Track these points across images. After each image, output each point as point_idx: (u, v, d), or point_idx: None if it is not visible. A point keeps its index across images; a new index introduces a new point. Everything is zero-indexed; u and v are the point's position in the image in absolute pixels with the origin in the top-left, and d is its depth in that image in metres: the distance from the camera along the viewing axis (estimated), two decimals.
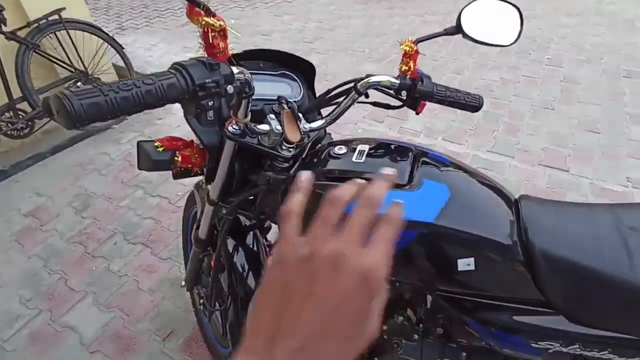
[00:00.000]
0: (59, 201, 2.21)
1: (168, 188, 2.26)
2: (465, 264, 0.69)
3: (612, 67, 3.39)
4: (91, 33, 2.70)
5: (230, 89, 0.56)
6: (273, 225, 1.14)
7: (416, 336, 0.91)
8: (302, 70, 0.89)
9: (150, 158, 0.83)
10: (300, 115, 0.78)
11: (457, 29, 0.81)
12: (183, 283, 1.30)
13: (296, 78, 0.88)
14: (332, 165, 0.77)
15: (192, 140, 0.89)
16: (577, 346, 0.71)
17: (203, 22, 0.60)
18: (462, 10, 0.81)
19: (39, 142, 2.71)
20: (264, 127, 0.74)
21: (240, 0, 5.79)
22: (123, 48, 2.88)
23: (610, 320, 0.69)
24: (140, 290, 1.69)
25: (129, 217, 2.08)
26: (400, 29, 4.42)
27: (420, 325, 0.90)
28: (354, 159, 0.75)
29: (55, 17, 2.48)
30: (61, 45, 2.58)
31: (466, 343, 0.87)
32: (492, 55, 3.60)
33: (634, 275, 0.64)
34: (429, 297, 0.87)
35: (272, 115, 0.76)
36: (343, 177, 0.74)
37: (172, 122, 2.94)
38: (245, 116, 0.70)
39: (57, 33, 2.54)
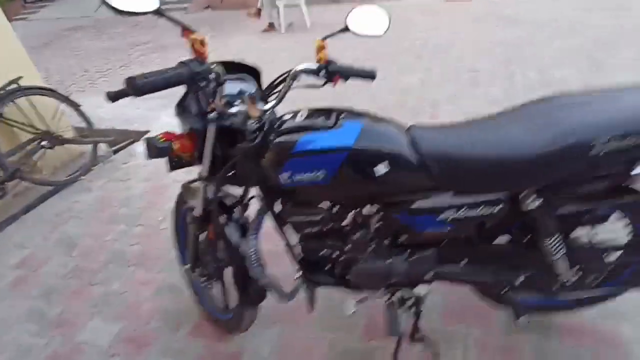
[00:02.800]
0: (44, 248, 2.36)
1: (147, 216, 2.48)
2: (382, 167, 1.04)
3: (504, 57, 4.09)
4: (48, 96, 2.92)
5: (211, 76, 0.92)
6: (251, 202, 1.43)
7: (371, 247, 1.24)
8: (252, 72, 1.25)
9: (156, 147, 1.13)
10: (256, 100, 1.14)
11: (346, 28, 1.21)
12: (187, 266, 1.54)
13: (248, 78, 1.23)
14: (284, 125, 1.12)
15: (182, 134, 1.19)
16: (464, 209, 1.08)
17: (192, 37, 0.95)
18: (347, 15, 1.21)
19: (10, 205, 2.82)
20: (233, 109, 1.08)
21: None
22: (79, 106, 3.11)
23: (480, 184, 1.07)
24: (142, 300, 1.89)
25: (117, 248, 2.27)
26: None
27: (369, 239, 1.23)
28: (296, 120, 1.11)
29: (14, 85, 2.69)
30: (21, 110, 2.78)
31: (404, 240, 1.22)
32: (406, 60, 4.20)
33: (491, 152, 1.03)
34: (369, 214, 1.21)
35: (237, 102, 1.10)
36: (291, 131, 1.09)
37: (135, 164, 3.17)
38: (220, 100, 1.04)
39: (16, 100, 2.74)
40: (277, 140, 1.09)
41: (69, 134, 3.15)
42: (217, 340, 1.65)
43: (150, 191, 2.76)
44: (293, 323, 1.66)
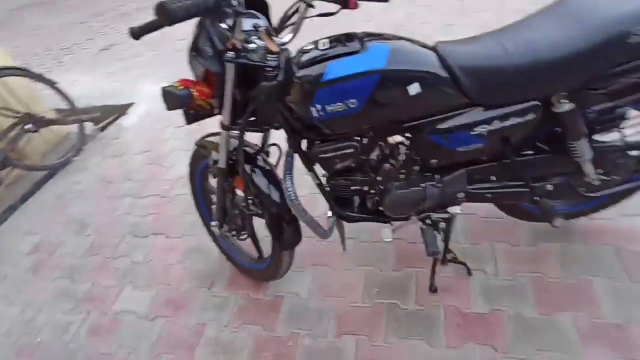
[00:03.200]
0: (55, 232, 2.32)
1: (154, 187, 2.44)
2: (414, 89, 1.02)
3: None
4: (22, 76, 2.74)
5: (234, 2, 0.87)
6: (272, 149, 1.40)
7: (405, 173, 1.25)
8: (261, 8, 1.17)
9: (175, 94, 1.07)
10: (273, 33, 1.08)
11: None
12: (214, 223, 1.53)
13: (259, 14, 1.16)
14: (306, 57, 1.07)
15: (199, 80, 1.13)
16: (497, 121, 1.08)
17: None
18: None
19: (5, 197, 2.73)
20: (252, 45, 1.02)
21: None
22: (56, 83, 2.94)
23: (511, 94, 1.06)
24: (170, 265, 1.90)
25: (130, 220, 2.24)
26: None
27: (406, 162, 1.23)
28: (320, 48, 1.06)
29: None
30: None
31: (435, 163, 1.22)
32: None
33: (523, 59, 1.01)
34: (399, 142, 1.21)
35: (254, 37, 1.04)
36: (316, 61, 1.05)
37: (127, 138, 3.06)
38: (240, 34, 0.98)
39: None
40: (303, 72, 1.05)
41: (51, 115, 3.00)
42: (254, 290, 1.68)
43: (150, 162, 2.69)
44: (325, 265, 1.70)
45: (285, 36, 1.09)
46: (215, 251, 1.88)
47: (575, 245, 1.53)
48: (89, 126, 3.22)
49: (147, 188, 2.45)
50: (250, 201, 1.39)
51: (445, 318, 1.42)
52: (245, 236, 1.54)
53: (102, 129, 3.34)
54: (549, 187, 1.26)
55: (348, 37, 1.08)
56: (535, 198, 1.26)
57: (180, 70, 4.37)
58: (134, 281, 1.88)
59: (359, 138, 1.17)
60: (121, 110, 3.52)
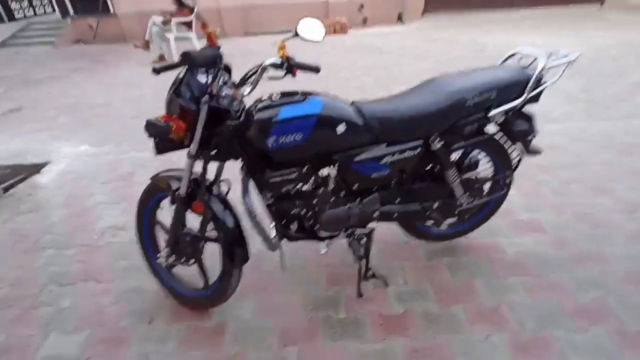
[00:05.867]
0: None
1: (80, 238, 2.40)
2: (341, 127, 1.44)
3: (379, 75, 4.97)
4: None
5: (222, 61, 1.22)
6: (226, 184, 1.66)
7: (334, 197, 1.61)
8: (225, 68, 1.53)
9: (157, 125, 1.32)
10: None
11: (296, 34, 1.60)
12: (162, 254, 1.66)
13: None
14: (264, 104, 1.44)
15: (176, 116, 1.40)
16: (397, 154, 1.55)
17: (208, 31, 1.22)
18: (297, 25, 1.60)
19: None
20: (223, 93, 1.36)
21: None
22: None
23: (403, 135, 1.55)
24: (104, 307, 1.87)
25: (54, 270, 2.14)
26: None
27: (335, 189, 1.60)
28: (273, 99, 1.44)
29: None
30: None
31: (357, 187, 1.62)
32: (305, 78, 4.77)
33: (408, 112, 1.51)
34: (331, 170, 1.59)
35: (225, 87, 1.38)
36: (271, 107, 1.41)
37: (44, 195, 2.97)
38: (217, 84, 1.31)
39: None
40: (261, 114, 1.40)
41: None
42: (197, 319, 1.77)
43: (74, 216, 2.64)
44: (265, 289, 1.90)
45: (245, 90, 1.45)
46: (152, 290, 1.94)
47: (460, 258, 2.00)
48: None
49: (72, 239, 2.39)
50: (204, 225, 1.59)
51: (370, 320, 1.70)
52: (192, 262, 1.69)
53: (6, 189, 3.15)
54: (435, 205, 1.73)
55: (293, 93, 1.48)
56: (427, 213, 1.72)
57: (101, 133, 4.44)
58: (61, 327, 1.80)
59: (300, 167, 1.52)
60: (32, 169, 3.38)
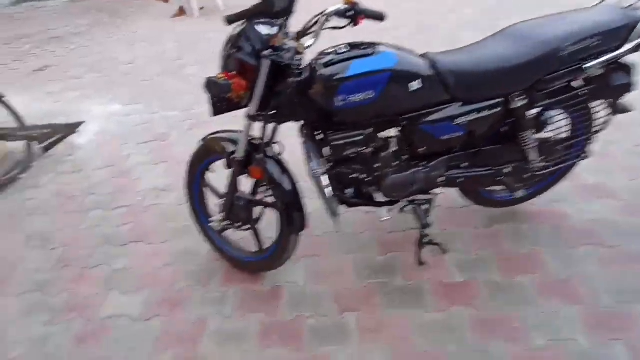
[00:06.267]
0: (12, 249, 2.13)
1: (124, 199, 2.39)
2: (416, 84, 1.30)
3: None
4: None
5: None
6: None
7: (397, 162, 1.50)
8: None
9: (218, 84, 1.22)
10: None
11: None
12: (216, 218, 1.61)
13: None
14: (329, 58, 1.30)
15: (236, 74, 1.28)
16: (473, 114, 1.40)
17: None
18: None
19: None
20: (287, 46, 1.23)
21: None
22: (3, 97, 2.77)
23: (482, 92, 1.39)
24: (157, 269, 1.88)
25: (102, 232, 2.17)
26: None
27: (398, 152, 1.48)
28: (340, 53, 1.30)
29: None
30: None
31: (424, 150, 1.49)
32: None
33: (489, 66, 1.35)
34: (396, 132, 1.46)
35: (286, 40, 1.24)
36: (338, 61, 1.27)
37: (83, 156, 2.96)
38: (282, 35, 1.18)
39: None
40: (328, 70, 1.27)
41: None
42: (251, 282, 1.76)
43: (115, 176, 2.63)
44: (316, 255, 1.85)
45: (307, 41, 1.31)
46: (204, 252, 1.92)
47: (521, 225, 1.89)
48: (33, 145, 3.03)
49: (116, 201, 2.39)
50: (262, 190, 1.52)
51: (430, 289, 1.64)
52: (247, 227, 1.64)
53: (47, 148, 3.15)
54: (507, 170, 1.60)
55: (363, 45, 1.33)
56: (498, 179, 1.59)
57: (130, 91, 4.35)
58: (119, 287, 1.82)
59: (364, 129, 1.40)
60: (69, 129, 3.36)
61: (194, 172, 1.71)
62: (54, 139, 3.23)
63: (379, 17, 1.40)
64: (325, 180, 1.42)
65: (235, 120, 1.58)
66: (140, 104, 3.63)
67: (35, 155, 2.95)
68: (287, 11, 1.27)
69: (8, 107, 2.77)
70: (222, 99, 1.32)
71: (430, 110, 1.39)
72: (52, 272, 1.96)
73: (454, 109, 1.40)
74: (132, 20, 6.47)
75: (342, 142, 1.40)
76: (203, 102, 3.43)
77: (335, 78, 1.26)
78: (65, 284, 1.87)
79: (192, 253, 1.94)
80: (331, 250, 1.87)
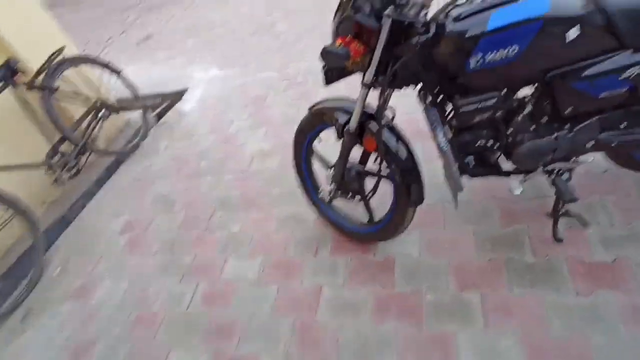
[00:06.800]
0: (142, 211, 2.40)
1: (232, 165, 2.50)
2: (574, 31, 1.04)
3: None
4: (91, 64, 2.81)
5: None
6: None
7: (533, 126, 1.26)
8: None
9: (336, 53, 1.11)
10: None
11: None
12: (327, 187, 1.57)
13: None
14: (461, 10, 1.09)
15: (352, 39, 1.16)
16: None
17: None
18: None
19: (78, 184, 2.79)
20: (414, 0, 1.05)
21: None
22: (120, 71, 3.00)
23: None
24: (269, 235, 1.95)
25: (218, 195, 2.30)
26: None
27: (537, 114, 1.24)
28: (476, 1, 1.08)
29: (60, 57, 2.57)
30: (71, 82, 2.68)
31: (571, 112, 1.23)
32: None
33: None
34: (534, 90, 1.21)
35: None
36: (473, 13, 1.06)
37: (191, 122, 3.13)
38: None
39: (65, 72, 2.64)
40: (461, 25, 1.07)
41: (120, 102, 3.08)
42: (362, 252, 1.73)
43: (222, 142, 2.75)
44: (430, 226, 1.74)
45: None
46: (311, 219, 1.93)
47: None
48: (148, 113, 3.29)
49: (225, 165, 2.51)
50: (379, 162, 1.42)
51: (568, 268, 1.44)
52: (359, 198, 1.58)
53: (159, 116, 3.41)
54: None
55: None
56: None
57: (226, 53, 4.38)
58: (236, 251, 1.94)
59: (500, 90, 1.19)
60: (176, 96, 3.58)
61: (302, 141, 1.67)
62: (164, 106, 3.48)
63: None
64: (451, 151, 1.26)
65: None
66: (236, 66, 3.70)
67: (150, 124, 3.21)
68: None
69: (125, 81, 3.01)
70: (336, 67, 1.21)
71: (589, 62, 1.12)
72: (178, 233, 2.16)
73: (622, 59, 1.10)
74: None
75: (471, 107, 1.21)
76: (297, 60, 3.37)
77: (470, 35, 1.06)
78: (190, 246, 2.06)
79: (299, 219, 1.97)
80: (447, 220, 1.74)
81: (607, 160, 1.58)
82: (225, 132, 2.84)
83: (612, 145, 1.32)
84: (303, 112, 1.59)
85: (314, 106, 1.54)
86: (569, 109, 1.23)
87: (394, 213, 1.51)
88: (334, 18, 1.23)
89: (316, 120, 1.55)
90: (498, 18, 1.03)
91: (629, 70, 1.11)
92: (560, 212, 1.49)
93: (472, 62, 1.08)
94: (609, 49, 1.10)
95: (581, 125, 1.26)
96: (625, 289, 1.33)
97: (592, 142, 1.30)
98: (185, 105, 3.40)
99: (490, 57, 1.07)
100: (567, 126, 1.27)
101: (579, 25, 1.04)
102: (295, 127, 1.63)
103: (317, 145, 1.70)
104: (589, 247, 1.48)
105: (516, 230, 1.61)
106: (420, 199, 1.41)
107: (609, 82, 1.14)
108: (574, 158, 1.36)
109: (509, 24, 1.03)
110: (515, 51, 1.05)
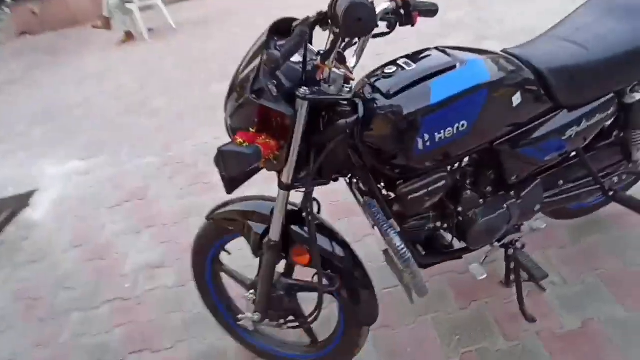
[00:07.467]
0: None
1: (108, 291, 1.87)
2: (517, 98, 0.90)
3: None
4: None
5: None
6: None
7: (481, 200, 1.10)
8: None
9: (244, 154, 0.76)
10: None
11: None
12: (248, 315, 1.15)
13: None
14: (392, 81, 0.87)
15: (256, 133, 0.83)
16: (583, 123, 1.02)
17: None
18: None
19: None
20: (335, 73, 0.79)
21: None
22: None
23: (593, 90, 1.02)
24: None
25: (88, 343, 1.65)
26: None
27: (481, 186, 1.08)
28: (408, 69, 0.87)
29: None
30: None
31: (515, 179, 1.10)
32: None
33: (598, 55, 0.97)
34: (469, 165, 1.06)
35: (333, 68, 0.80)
36: (411, 84, 0.85)
37: (44, 234, 2.40)
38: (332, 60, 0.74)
39: None
40: (396, 100, 0.84)
41: None
42: None
43: (90, 259, 2.10)
44: (385, 326, 1.42)
45: (350, 62, 0.88)
46: (232, 351, 1.46)
47: (616, 233, 1.54)
48: None
49: (98, 293, 1.87)
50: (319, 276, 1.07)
51: (544, 345, 1.26)
52: (296, 324, 1.19)
53: None
54: (616, 178, 1.23)
55: (430, 53, 0.91)
56: (609, 192, 1.22)
57: (89, 140, 3.70)
58: None
59: (450, 166, 0.99)
60: (19, 203, 2.77)
61: (203, 260, 1.25)
62: (1, 218, 2.64)
63: (432, 11, 0.98)
64: (405, 250, 0.99)
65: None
66: (104, 154, 3.07)
67: None
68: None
69: None
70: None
71: (532, 125, 0.99)
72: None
73: (561, 119, 1.02)
74: (76, 55, 5.75)
75: (421, 193, 0.98)
76: (181, 138, 2.94)
77: (412, 111, 0.84)
78: None
79: (218, 353, 1.47)
80: (401, 314, 1.45)
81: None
82: (95, 243, 2.19)
83: (559, 203, 1.24)
84: (199, 204, 1.18)
85: (214, 211, 1.16)
86: (514, 177, 1.10)
87: (343, 335, 1.16)
88: (225, 106, 0.91)
89: (220, 231, 1.16)
90: (440, 88, 0.84)
91: (568, 131, 1.02)
92: (520, 288, 1.32)
93: (419, 144, 0.85)
94: (548, 110, 1.00)
95: (527, 190, 1.14)
96: (604, 356, 1.19)
97: (539, 206, 1.19)
98: (35, 212, 2.63)
99: (439, 135, 0.85)
100: (513, 193, 1.13)
101: (521, 89, 0.90)
102: (192, 225, 1.21)
103: (225, 258, 1.29)
104: (555, 315, 1.34)
105: (478, 308, 1.42)
106: (373, 316, 1.10)
107: (553, 144, 1.04)
108: (525, 225, 1.23)
109: (454, 94, 0.84)
110: (465, 125, 0.86)
